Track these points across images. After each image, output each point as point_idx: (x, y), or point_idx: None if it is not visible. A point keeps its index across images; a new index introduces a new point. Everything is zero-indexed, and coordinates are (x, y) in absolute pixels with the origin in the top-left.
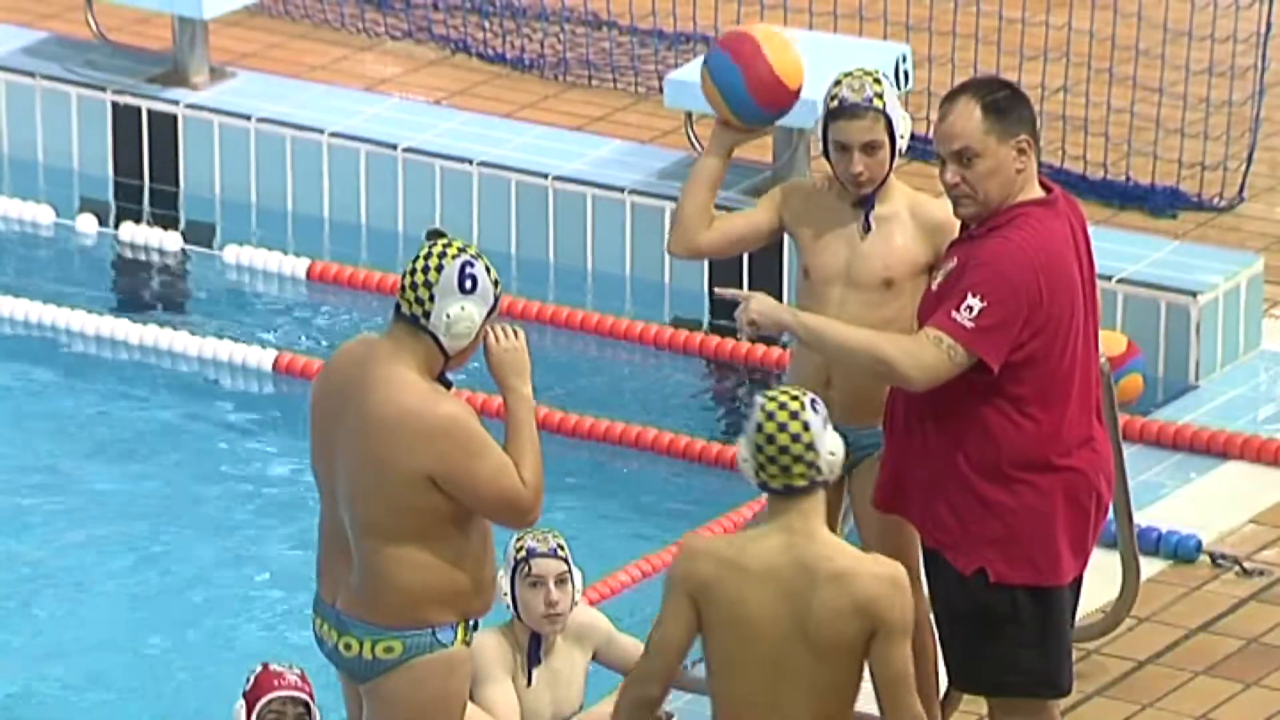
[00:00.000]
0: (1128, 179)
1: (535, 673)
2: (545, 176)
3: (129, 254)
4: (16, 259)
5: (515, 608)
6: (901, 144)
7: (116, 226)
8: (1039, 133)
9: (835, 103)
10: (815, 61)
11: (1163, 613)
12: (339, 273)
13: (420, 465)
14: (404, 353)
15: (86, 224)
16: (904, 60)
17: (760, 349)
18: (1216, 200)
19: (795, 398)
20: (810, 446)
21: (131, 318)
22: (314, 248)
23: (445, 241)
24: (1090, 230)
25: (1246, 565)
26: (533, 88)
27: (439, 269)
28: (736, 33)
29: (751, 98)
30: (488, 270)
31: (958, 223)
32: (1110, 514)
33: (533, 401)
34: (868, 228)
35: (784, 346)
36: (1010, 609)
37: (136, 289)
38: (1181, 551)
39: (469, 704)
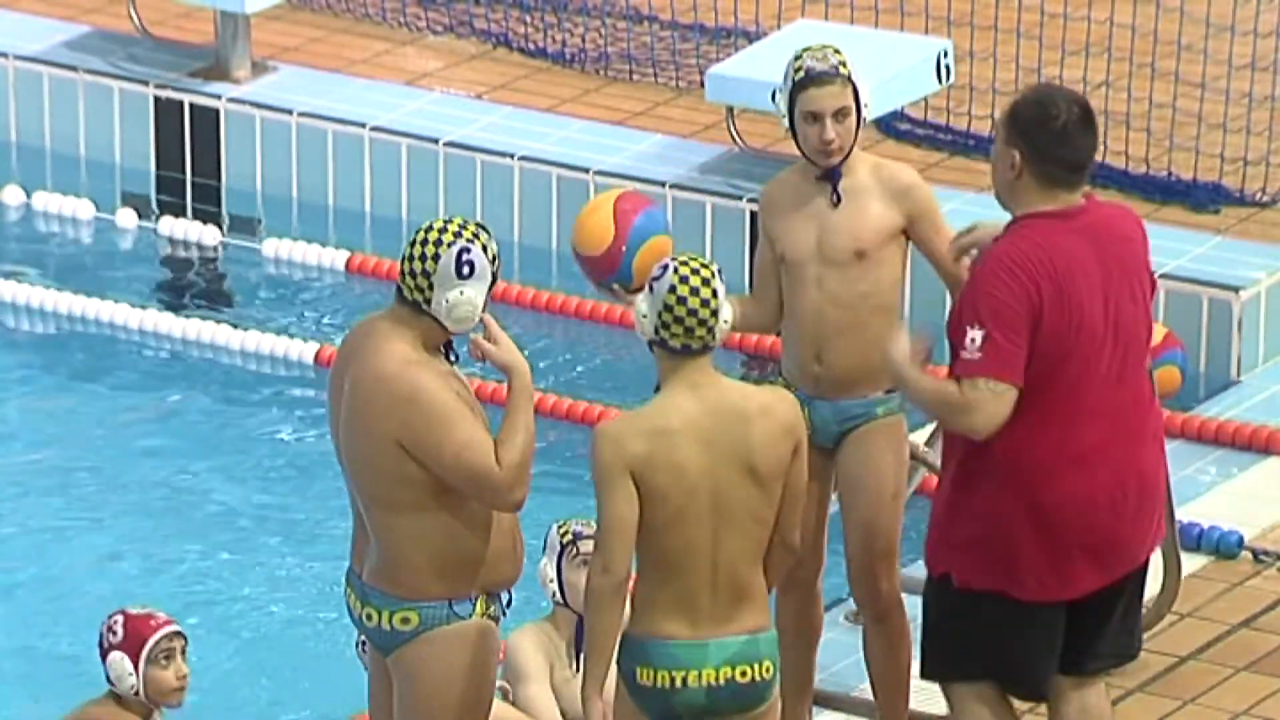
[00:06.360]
0: (1170, 174)
1: (583, 659)
2: (586, 171)
3: (169, 248)
4: (58, 253)
5: (563, 593)
6: (866, 113)
7: (158, 220)
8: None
9: (802, 74)
10: (857, 57)
11: (1204, 609)
12: (378, 265)
13: (389, 431)
14: (402, 327)
15: (126, 218)
16: (945, 55)
17: None
18: (1259, 195)
19: (706, 265)
20: (714, 312)
21: (173, 311)
22: (355, 242)
23: (441, 224)
24: None
25: None
26: (574, 82)
27: (435, 258)
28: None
29: (594, 277)
30: (484, 249)
31: (926, 185)
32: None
33: (532, 388)
34: (837, 199)
35: None
36: (974, 613)
37: (177, 283)
38: (1223, 547)
39: (507, 705)
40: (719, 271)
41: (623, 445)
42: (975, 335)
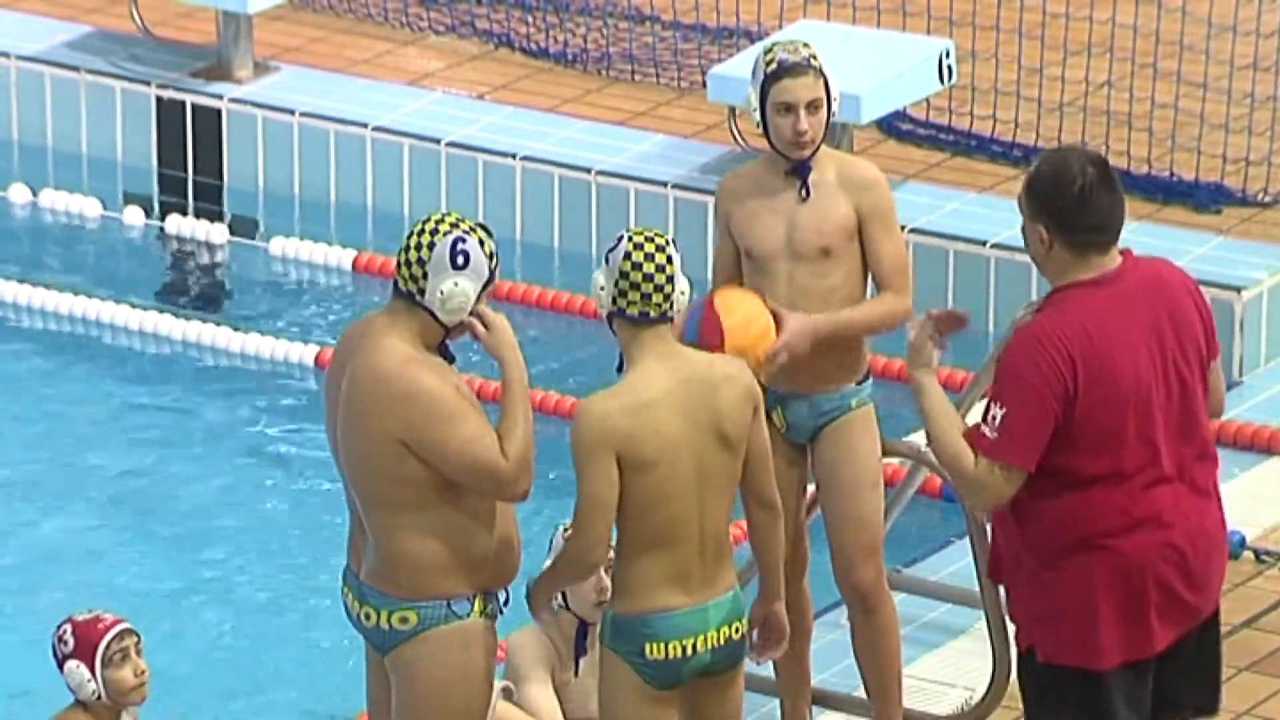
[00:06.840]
0: (1171, 174)
1: (582, 662)
2: (588, 171)
3: (175, 246)
4: (63, 252)
5: (564, 595)
6: (835, 106)
7: (164, 219)
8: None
9: (774, 65)
10: (859, 56)
11: None
12: (385, 265)
13: (390, 430)
14: (399, 325)
15: (134, 216)
16: (947, 55)
17: None
18: (1260, 195)
19: (660, 235)
20: (670, 279)
21: (179, 311)
22: (357, 242)
23: (439, 217)
24: (1133, 225)
25: None
26: (576, 82)
27: (430, 246)
28: (713, 325)
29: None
30: (482, 244)
31: (887, 186)
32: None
33: (526, 378)
34: (806, 193)
35: None
36: (1056, 688)
37: (184, 282)
38: None
39: (508, 704)
40: (674, 242)
41: (606, 422)
42: (997, 413)
